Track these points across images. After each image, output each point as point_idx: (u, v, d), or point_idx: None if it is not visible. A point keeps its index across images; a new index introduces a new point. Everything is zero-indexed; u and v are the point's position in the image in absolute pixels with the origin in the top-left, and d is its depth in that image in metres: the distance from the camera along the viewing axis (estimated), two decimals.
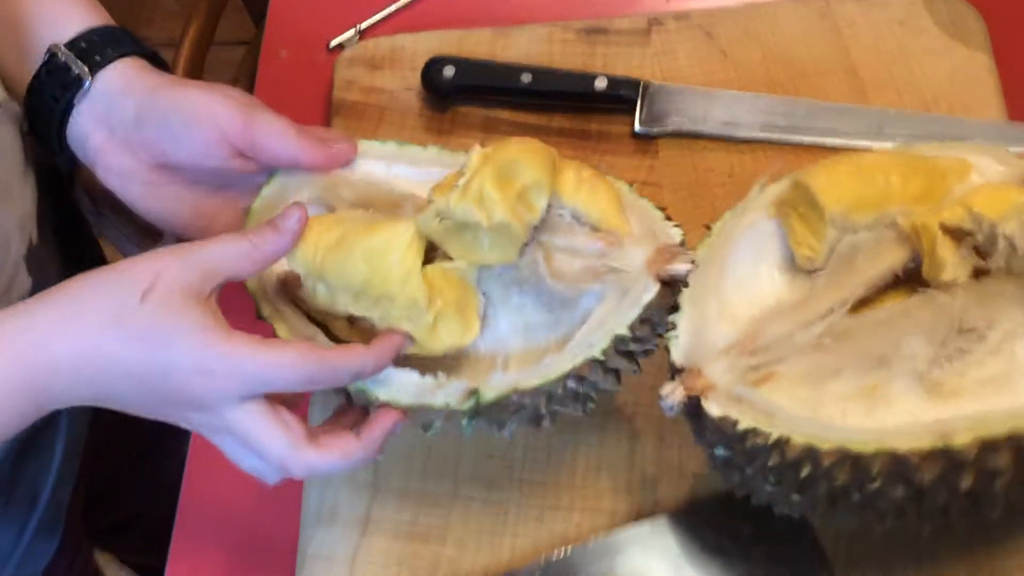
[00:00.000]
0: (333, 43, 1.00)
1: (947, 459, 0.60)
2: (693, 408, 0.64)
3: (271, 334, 0.68)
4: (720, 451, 0.65)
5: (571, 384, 0.66)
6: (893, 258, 0.69)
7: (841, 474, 0.61)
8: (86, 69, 0.71)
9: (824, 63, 0.92)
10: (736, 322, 0.69)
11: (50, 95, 0.72)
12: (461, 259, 0.68)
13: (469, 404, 0.66)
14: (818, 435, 0.61)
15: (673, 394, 0.64)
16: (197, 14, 1.19)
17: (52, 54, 0.72)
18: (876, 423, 0.63)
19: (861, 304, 0.68)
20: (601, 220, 0.68)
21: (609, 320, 0.66)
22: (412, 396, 0.67)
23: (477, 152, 0.67)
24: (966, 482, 0.60)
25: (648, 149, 0.90)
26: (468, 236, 0.67)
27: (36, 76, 0.73)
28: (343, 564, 0.76)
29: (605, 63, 0.94)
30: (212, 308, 0.61)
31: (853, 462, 0.61)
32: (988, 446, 0.59)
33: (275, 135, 0.70)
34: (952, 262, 0.67)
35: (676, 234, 0.68)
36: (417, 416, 0.67)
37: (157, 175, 0.73)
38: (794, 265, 0.70)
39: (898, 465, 0.60)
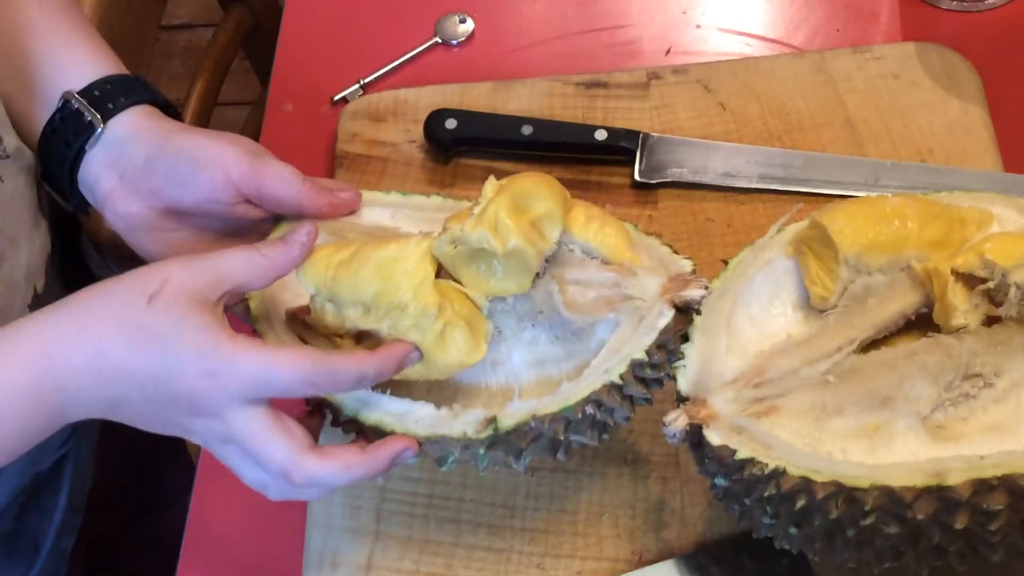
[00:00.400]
0: (337, 97, 1.01)
1: (940, 498, 0.60)
2: (695, 437, 0.65)
3: None
4: (720, 481, 0.66)
5: (588, 410, 0.67)
6: (905, 301, 0.70)
7: (835, 508, 0.62)
8: (99, 116, 0.73)
9: (821, 115, 0.93)
10: (745, 355, 0.70)
11: (63, 141, 0.74)
12: (473, 289, 0.69)
13: (487, 432, 0.67)
14: (813, 468, 0.62)
15: (676, 421, 0.65)
16: (203, 73, 1.22)
17: (66, 101, 0.74)
18: (874, 461, 0.64)
19: (871, 345, 0.69)
20: (612, 254, 0.70)
21: (626, 346, 0.67)
22: (428, 428, 0.67)
23: (492, 183, 0.69)
24: (960, 522, 0.61)
25: (648, 199, 0.91)
26: (481, 265, 0.68)
27: (50, 123, 0.74)
28: None
29: (605, 116, 0.96)
30: (218, 314, 0.62)
31: (847, 496, 0.62)
32: (982, 487, 0.60)
33: (281, 182, 0.72)
34: (963, 308, 0.68)
35: (687, 264, 0.70)
36: (433, 449, 0.68)
37: (164, 221, 0.74)
38: (808, 303, 0.72)
39: (892, 501, 0.61)
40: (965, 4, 1.00)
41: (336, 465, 0.63)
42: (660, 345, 0.67)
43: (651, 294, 0.68)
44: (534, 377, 0.72)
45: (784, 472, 0.62)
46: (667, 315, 0.67)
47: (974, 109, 0.92)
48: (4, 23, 0.76)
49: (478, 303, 0.69)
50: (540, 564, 0.76)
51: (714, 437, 0.65)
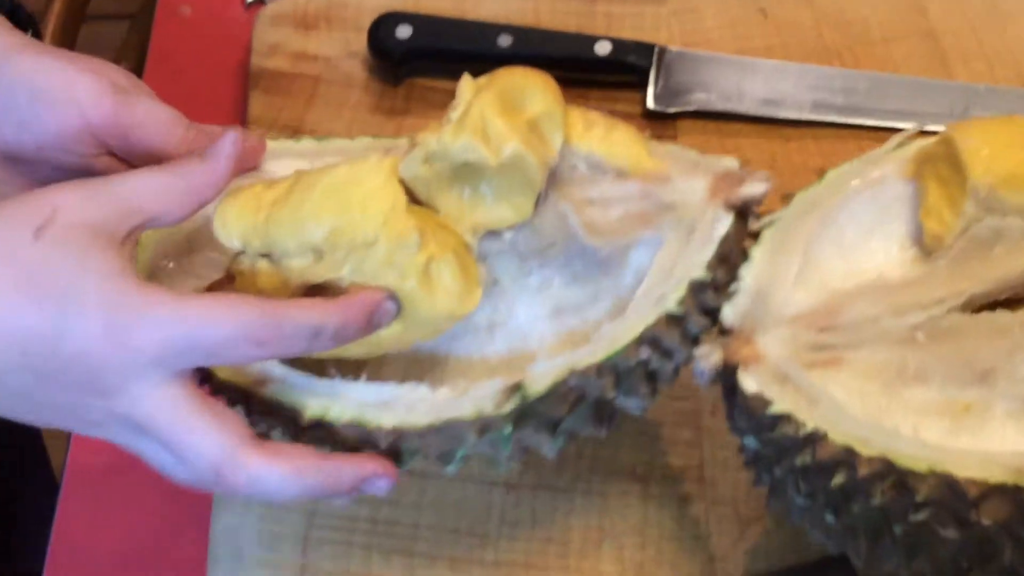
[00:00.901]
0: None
1: (1017, 501, 0.60)
2: (730, 382, 0.65)
3: None
4: (750, 441, 0.67)
5: (644, 353, 0.66)
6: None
7: (880, 491, 0.62)
8: None
9: (893, 26, 0.94)
10: (818, 289, 0.70)
11: None
12: (457, 222, 0.68)
13: (513, 404, 0.65)
14: (861, 437, 0.62)
15: (709, 357, 0.65)
16: None
17: None
18: (952, 447, 0.64)
19: (985, 307, 0.69)
20: (628, 163, 0.69)
21: (678, 266, 0.67)
22: (429, 414, 0.66)
23: (468, 82, 0.68)
24: None
25: (664, 133, 0.91)
26: (466, 189, 0.68)
27: None
28: None
29: (608, 24, 0.96)
30: (126, 255, 0.61)
31: (897, 479, 0.62)
32: None
33: (156, 128, 0.70)
34: None
35: (731, 161, 0.69)
36: (435, 442, 0.66)
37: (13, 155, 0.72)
38: (917, 242, 0.72)
39: (952, 494, 0.61)
40: None
41: (286, 468, 0.62)
42: (722, 258, 0.67)
43: (697, 199, 0.68)
44: (550, 334, 0.71)
45: (824, 437, 0.62)
46: (725, 220, 0.67)
47: None
48: None
49: (466, 241, 0.68)
50: None
51: (750, 383, 0.65)
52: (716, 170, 0.69)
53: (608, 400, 0.67)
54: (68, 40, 1.21)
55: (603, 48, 0.91)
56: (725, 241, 0.67)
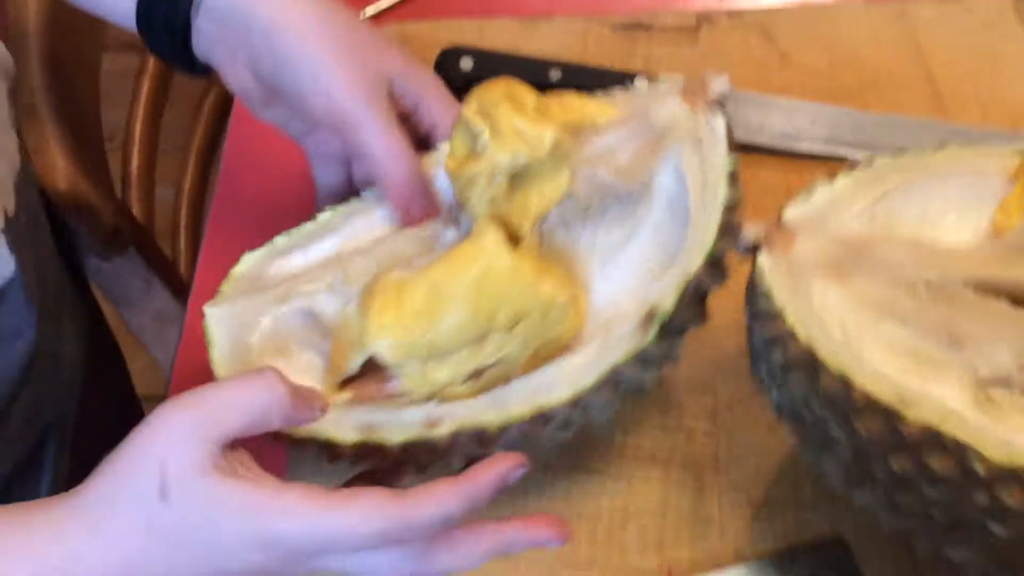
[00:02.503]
0: None
1: (892, 428, 0.62)
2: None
3: None
4: (749, 321, 0.70)
5: (721, 246, 0.69)
6: None
7: (830, 388, 0.64)
8: None
9: (898, 73, 0.94)
10: (874, 228, 0.71)
11: (162, 17, 0.76)
12: (524, 217, 0.70)
13: (655, 327, 0.67)
14: (825, 344, 0.64)
15: (754, 232, 0.68)
16: None
17: None
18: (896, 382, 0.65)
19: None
20: (598, 120, 0.72)
21: (708, 170, 0.70)
22: (593, 373, 0.67)
23: (466, 105, 0.70)
24: (899, 463, 0.63)
25: None
26: (521, 188, 0.70)
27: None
28: None
29: (647, 63, 0.96)
30: (233, 467, 0.60)
31: (844, 387, 0.64)
32: (947, 443, 0.62)
33: (371, 162, 0.73)
34: None
35: (676, 77, 0.73)
36: (607, 391, 0.68)
37: (272, 98, 0.77)
38: (987, 233, 0.71)
39: (885, 420, 0.63)
40: None
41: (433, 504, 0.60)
42: (730, 145, 0.70)
43: (682, 112, 0.71)
44: (629, 275, 0.73)
45: (794, 335, 0.65)
46: (717, 116, 0.70)
47: None
48: None
49: (528, 231, 0.71)
50: (556, 574, 0.77)
51: (765, 261, 0.67)
52: (679, 85, 0.72)
53: (708, 288, 0.69)
54: (166, 79, 1.21)
55: (642, 84, 0.92)
56: (728, 134, 0.70)
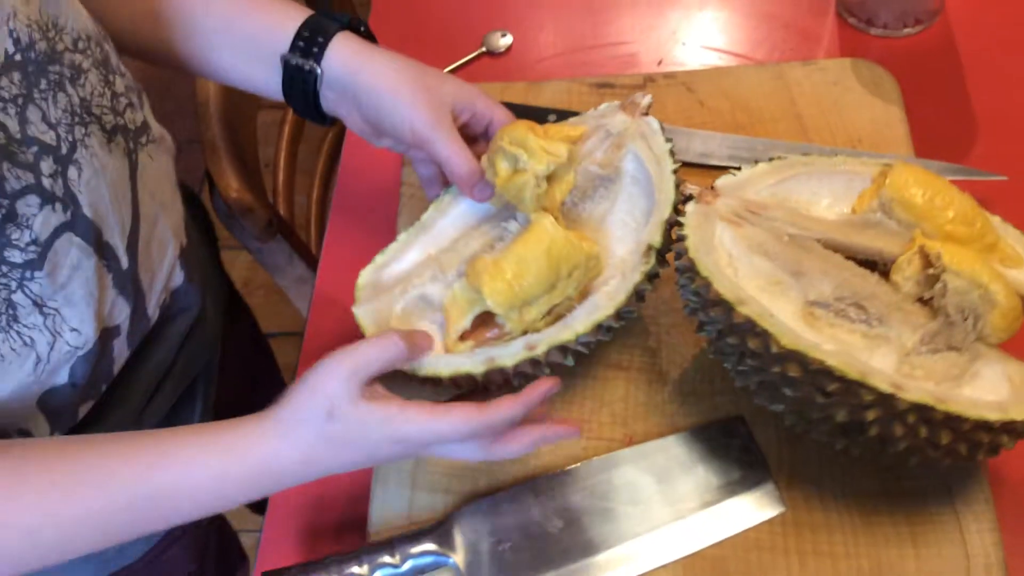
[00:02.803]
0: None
1: (795, 361, 0.62)
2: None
3: None
4: (676, 259, 0.70)
5: (677, 195, 0.72)
6: (888, 247, 0.68)
7: (702, 289, 0.66)
8: (313, 64, 0.73)
9: (777, 112, 0.93)
10: (773, 197, 0.72)
11: (300, 92, 0.74)
12: (554, 206, 0.72)
13: (654, 252, 0.70)
14: (703, 260, 0.66)
15: (693, 188, 0.71)
16: None
17: (285, 62, 0.74)
18: (749, 294, 0.65)
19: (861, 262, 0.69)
20: (575, 136, 0.73)
21: (653, 147, 0.73)
22: (619, 296, 0.69)
23: (501, 141, 0.70)
24: (752, 341, 0.64)
25: None
26: (549, 185, 0.71)
27: (286, 83, 0.74)
28: (408, 471, 0.76)
29: None
30: (377, 394, 0.63)
31: (707, 286, 0.65)
32: (808, 363, 0.62)
33: (446, 162, 0.72)
34: (906, 273, 0.66)
35: (614, 102, 0.76)
36: (631, 302, 0.70)
37: (379, 134, 0.76)
38: (846, 210, 0.72)
39: (732, 316, 0.64)
40: (888, 31, 0.99)
41: (507, 407, 0.64)
42: (668, 139, 0.73)
43: (626, 121, 0.73)
44: (622, 224, 0.74)
45: (688, 250, 0.66)
46: (652, 121, 0.74)
47: (894, 110, 0.91)
48: (217, 10, 0.76)
49: (558, 213, 0.73)
50: (556, 444, 0.76)
51: (692, 209, 0.69)
52: (619, 105, 0.74)
53: (675, 224, 0.71)
54: (299, 128, 1.20)
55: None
56: (662, 126, 0.74)
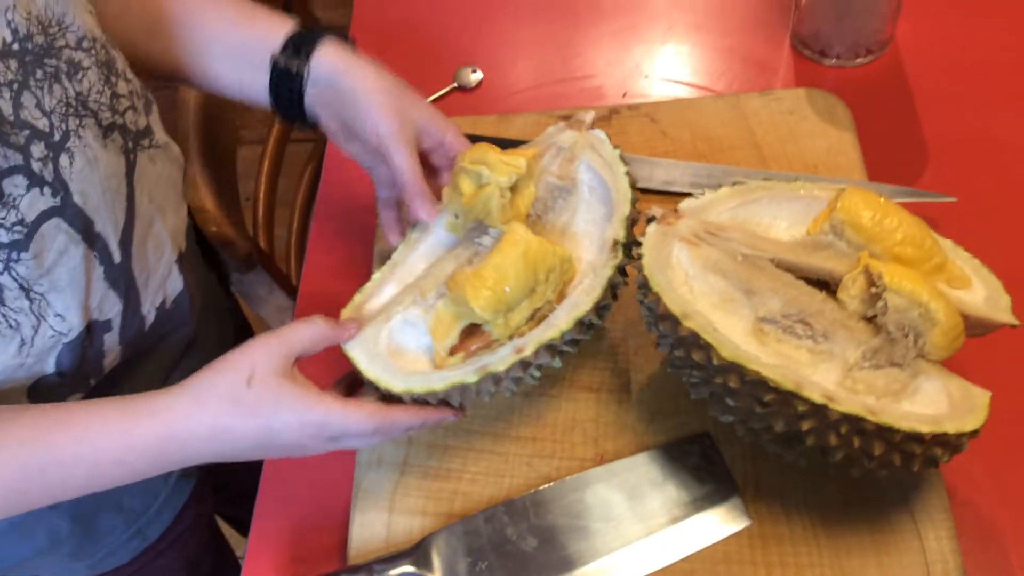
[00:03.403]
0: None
1: (734, 373, 0.64)
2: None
3: None
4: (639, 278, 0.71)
5: (633, 193, 0.74)
6: (837, 268, 0.69)
7: (651, 303, 0.67)
8: (302, 63, 0.74)
9: (735, 140, 0.94)
10: (732, 219, 0.73)
11: (286, 90, 0.76)
12: (519, 216, 0.73)
13: (620, 246, 0.72)
14: (656, 277, 0.67)
15: (656, 211, 0.71)
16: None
17: (275, 62, 0.75)
18: (703, 312, 0.67)
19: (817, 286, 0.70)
20: (531, 154, 0.75)
21: (603, 156, 0.76)
22: (595, 291, 0.70)
23: (464, 160, 0.72)
24: (696, 354, 0.65)
25: None
26: (512, 197, 0.73)
27: (273, 82, 0.76)
28: (386, 496, 0.76)
29: None
30: (297, 375, 0.63)
31: (657, 301, 0.66)
32: (744, 375, 0.63)
33: (395, 167, 0.73)
34: (852, 292, 0.67)
35: (561, 123, 0.78)
36: (606, 296, 0.71)
37: (350, 136, 0.76)
38: (802, 233, 0.73)
39: (673, 322, 0.65)
40: (841, 61, 1.02)
41: (408, 416, 0.66)
42: (616, 146, 0.76)
43: (574, 135, 0.76)
44: (585, 230, 0.76)
45: (643, 268, 0.68)
46: (599, 134, 0.76)
47: (847, 136, 0.93)
48: (210, 22, 0.78)
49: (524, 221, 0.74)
50: (529, 462, 0.77)
51: (652, 227, 0.70)
52: (568, 125, 0.77)
53: (636, 219, 0.74)
54: (278, 154, 1.20)
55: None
56: (608, 139, 0.75)
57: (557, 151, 0.77)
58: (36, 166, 0.61)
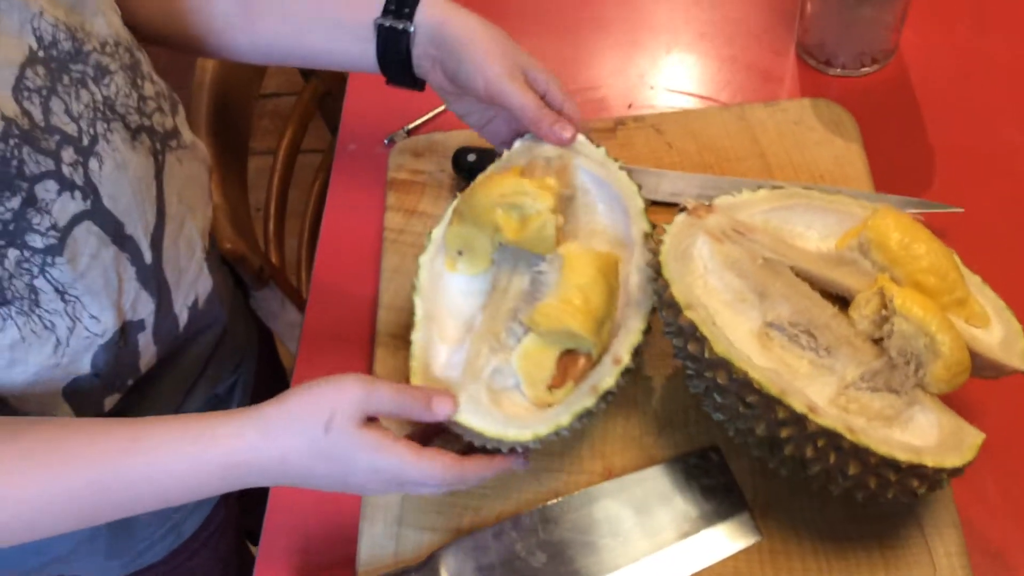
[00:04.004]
0: (388, 139, 1.01)
1: (723, 369, 0.63)
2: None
3: None
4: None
5: (637, 184, 0.75)
6: (856, 285, 0.68)
7: (663, 291, 0.66)
8: (407, 22, 0.74)
9: (741, 151, 0.93)
10: (764, 222, 0.72)
11: (393, 52, 0.75)
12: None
13: (648, 235, 0.72)
14: (672, 268, 0.66)
15: (690, 203, 0.71)
16: (289, 128, 1.22)
17: (379, 26, 0.75)
18: (714, 311, 0.66)
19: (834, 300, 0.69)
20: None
21: (590, 156, 0.75)
22: (646, 291, 0.70)
23: (496, 199, 0.71)
24: (692, 347, 0.64)
25: None
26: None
27: (381, 46, 0.75)
28: (395, 510, 0.75)
29: None
30: (375, 426, 0.61)
31: (666, 287, 0.65)
32: (732, 372, 0.62)
33: (517, 109, 0.72)
34: (863, 311, 0.66)
35: (527, 139, 0.76)
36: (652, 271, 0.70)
37: (458, 91, 0.76)
38: (829, 245, 0.72)
39: (675, 310, 0.65)
40: (846, 71, 1.00)
41: (479, 468, 0.65)
42: (598, 144, 0.75)
43: (553, 147, 0.75)
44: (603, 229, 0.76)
45: (668, 285, 0.66)
46: (602, 150, 0.76)
47: (853, 147, 0.92)
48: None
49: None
50: (537, 477, 0.76)
51: (680, 217, 0.70)
52: (533, 136, 0.75)
53: (649, 206, 0.74)
54: (288, 166, 1.20)
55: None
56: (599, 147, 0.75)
57: (547, 162, 0.75)
58: (67, 171, 0.61)
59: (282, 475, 0.61)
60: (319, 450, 0.60)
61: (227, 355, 0.88)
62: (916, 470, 0.61)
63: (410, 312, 0.74)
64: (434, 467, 0.61)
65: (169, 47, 0.80)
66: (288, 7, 0.77)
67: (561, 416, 0.66)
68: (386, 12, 0.74)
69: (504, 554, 0.71)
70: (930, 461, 0.61)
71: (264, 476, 0.61)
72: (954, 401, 0.67)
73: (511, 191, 0.70)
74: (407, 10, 0.74)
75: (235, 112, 1.10)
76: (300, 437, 0.60)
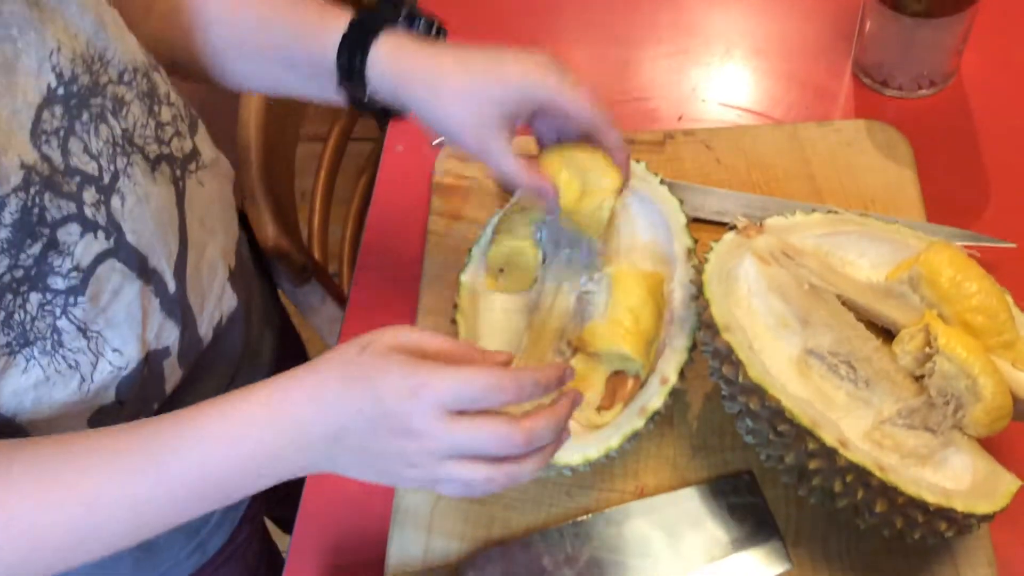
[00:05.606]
0: (435, 142, 1.00)
1: (757, 395, 0.62)
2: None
3: None
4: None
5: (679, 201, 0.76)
6: (901, 319, 0.67)
7: (703, 310, 0.66)
8: (362, 91, 0.69)
9: (791, 171, 0.91)
10: (815, 247, 0.71)
11: (358, 94, 0.70)
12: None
13: (692, 252, 0.72)
14: (713, 288, 0.65)
15: (742, 221, 0.69)
16: (340, 117, 1.22)
17: (339, 67, 0.69)
18: (755, 338, 0.65)
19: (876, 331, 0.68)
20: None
21: (635, 169, 0.75)
22: (691, 308, 0.69)
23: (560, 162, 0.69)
24: (726, 369, 0.64)
25: None
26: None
27: (342, 73, 0.69)
28: (425, 516, 0.75)
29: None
30: (415, 359, 0.55)
31: (707, 307, 0.64)
32: (765, 399, 0.61)
33: (507, 177, 0.67)
34: (907, 347, 0.65)
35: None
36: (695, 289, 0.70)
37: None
38: (880, 277, 0.70)
39: (713, 330, 0.64)
40: (903, 92, 0.98)
41: (545, 417, 0.55)
42: (637, 160, 0.75)
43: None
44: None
45: (703, 271, 0.65)
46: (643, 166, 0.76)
47: (907, 172, 0.90)
48: (273, 21, 0.73)
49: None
50: (568, 492, 0.76)
51: (729, 235, 0.69)
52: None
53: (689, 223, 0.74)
54: (340, 152, 1.19)
55: None
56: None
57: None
58: (89, 212, 0.60)
59: (320, 408, 0.54)
60: (351, 371, 0.54)
61: (254, 366, 0.86)
62: (944, 513, 0.60)
63: (450, 319, 0.74)
64: (479, 376, 0.53)
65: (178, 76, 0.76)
66: (260, 48, 0.72)
67: (611, 438, 0.66)
68: (341, 78, 0.69)
69: (531, 567, 0.71)
70: (960, 506, 0.60)
71: (306, 414, 0.55)
72: (994, 443, 0.65)
73: (585, 157, 0.68)
74: (359, 59, 0.67)
75: (287, 108, 1.10)
76: (335, 363, 0.55)
